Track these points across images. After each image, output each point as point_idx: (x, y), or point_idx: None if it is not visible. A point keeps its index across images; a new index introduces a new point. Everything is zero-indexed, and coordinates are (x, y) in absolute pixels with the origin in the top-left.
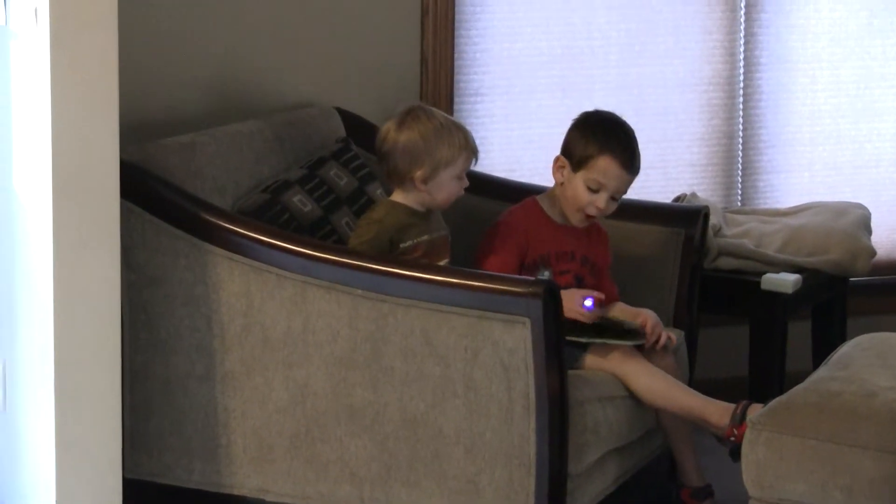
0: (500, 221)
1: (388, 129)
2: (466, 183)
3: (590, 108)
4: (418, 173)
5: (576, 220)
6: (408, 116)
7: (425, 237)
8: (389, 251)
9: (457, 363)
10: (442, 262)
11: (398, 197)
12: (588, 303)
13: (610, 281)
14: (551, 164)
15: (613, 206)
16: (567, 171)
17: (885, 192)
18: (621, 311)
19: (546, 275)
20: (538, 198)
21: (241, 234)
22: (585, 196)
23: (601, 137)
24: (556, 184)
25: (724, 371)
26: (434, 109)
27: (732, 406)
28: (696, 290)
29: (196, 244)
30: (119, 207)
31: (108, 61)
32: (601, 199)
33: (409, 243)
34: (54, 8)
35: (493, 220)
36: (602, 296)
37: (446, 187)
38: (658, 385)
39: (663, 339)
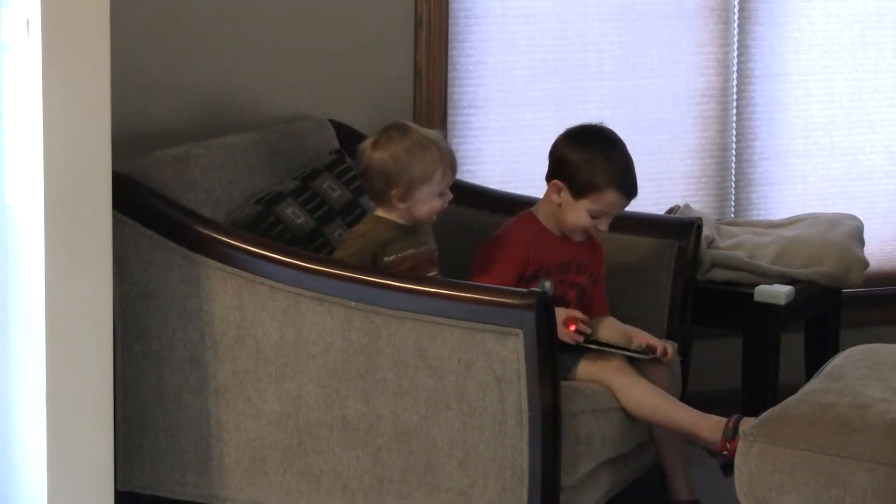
0: (498, 236)
1: (363, 148)
2: (450, 196)
3: (582, 122)
4: (394, 192)
5: (575, 236)
6: (382, 136)
7: (410, 251)
8: (373, 265)
9: (450, 375)
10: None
11: (382, 212)
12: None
13: (603, 293)
14: (547, 186)
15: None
16: (565, 194)
17: (878, 204)
18: (610, 329)
19: (546, 285)
20: (533, 210)
21: (235, 247)
22: (588, 221)
23: (604, 168)
24: (553, 203)
25: (718, 383)
26: (412, 126)
27: (724, 420)
28: (689, 301)
29: (189, 256)
30: (112, 220)
31: (100, 73)
32: (603, 223)
33: (393, 257)
34: (46, 20)
35: (489, 235)
36: (586, 318)
37: (426, 203)
38: (648, 400)
39: (668, 354)
